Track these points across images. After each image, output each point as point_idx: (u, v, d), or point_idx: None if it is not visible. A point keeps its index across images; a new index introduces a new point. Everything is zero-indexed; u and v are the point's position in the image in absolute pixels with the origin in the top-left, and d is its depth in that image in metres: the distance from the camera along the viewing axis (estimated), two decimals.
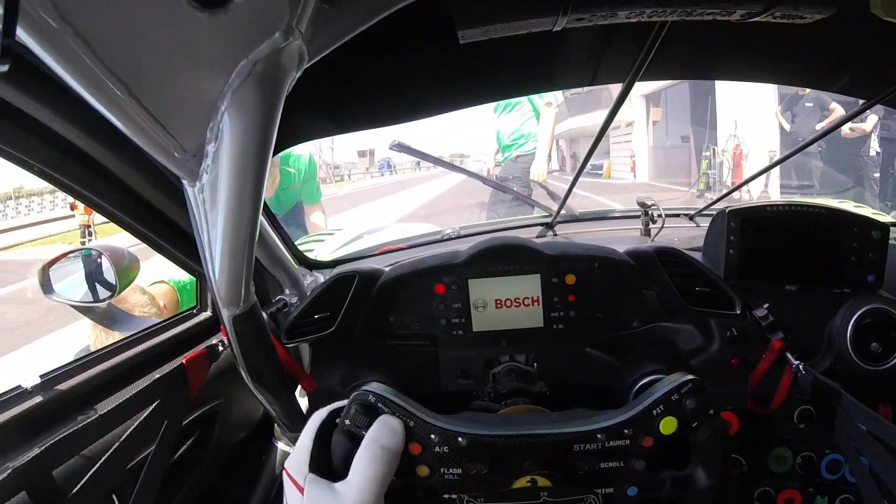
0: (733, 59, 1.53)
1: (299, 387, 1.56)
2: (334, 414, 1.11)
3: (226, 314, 1.10)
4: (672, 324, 1.73)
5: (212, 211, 0.87)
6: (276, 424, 1.86)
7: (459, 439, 1.15)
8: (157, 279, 2.55)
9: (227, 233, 0.89)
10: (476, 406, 1.61)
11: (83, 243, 12.41)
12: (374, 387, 1.18)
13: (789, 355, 1.54)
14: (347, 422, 1.15)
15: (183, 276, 2.58)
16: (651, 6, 0.79)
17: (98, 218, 13.21)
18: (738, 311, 1.62)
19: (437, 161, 2.63)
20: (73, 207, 13.27)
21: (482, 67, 1.40)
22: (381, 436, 1.03)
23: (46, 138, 1.09)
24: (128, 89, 0.64)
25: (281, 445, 1.87)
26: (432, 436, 1.16)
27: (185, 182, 0.85)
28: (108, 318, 1.92)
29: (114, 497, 1.15)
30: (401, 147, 2.31)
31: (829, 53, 1.43)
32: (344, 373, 1.70)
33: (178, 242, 1.48)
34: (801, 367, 1.51)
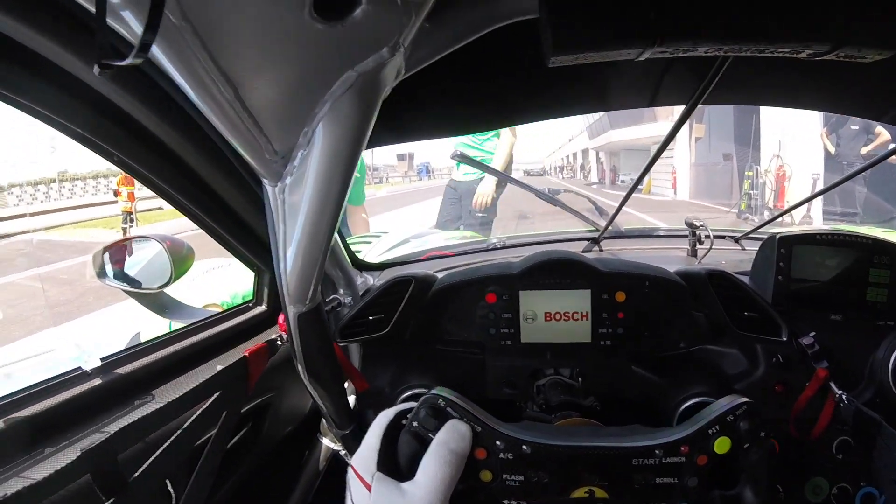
0: (788, 88, 1.53)
1: (348, 385, 1.58)
2: (401, 415, 1.14)
3: (291, 311, 1.13)
4: (718, 347, 1.73)
5: (290, 211, 0.90)
6: (323, 420, 1.88)
7: (524, 447, 1.18)
8: (206, 302, 2.59)
9: (305, 234, 0.92)
10: (528, 416, 1.62)
11: (124, 229, 12.65)
12: (443, 390, 1.21)
13: (833, 385, 1.54)
14: (416, 423, 1.18)
15: (227, 297, 2.62)
16: (728, 44, 0.81)
17: (140, 206, 13.46)
18: (785, 338, 1.61)
19: (493, 171, 2.65)
20: (116, 194, 13.52)
21: (552, 84, 1.42)
22: (450, 439, 1.05)
23: (133, 131, 1.12)
24: (234, 90, 0.66)
25: (325, 441, 1.89)
26: (498, 442, 1.18)
27: (265, 182, 0.88)
28: (159, 305, 1.95)
29: (167, 483, 1.18)
30: (462, 157, 2.33)
31: (883, 88, 1.41)
32: (392, 374, 1.73)
33: (242, 237, 1.51)
34: (844, 396, 1.51)
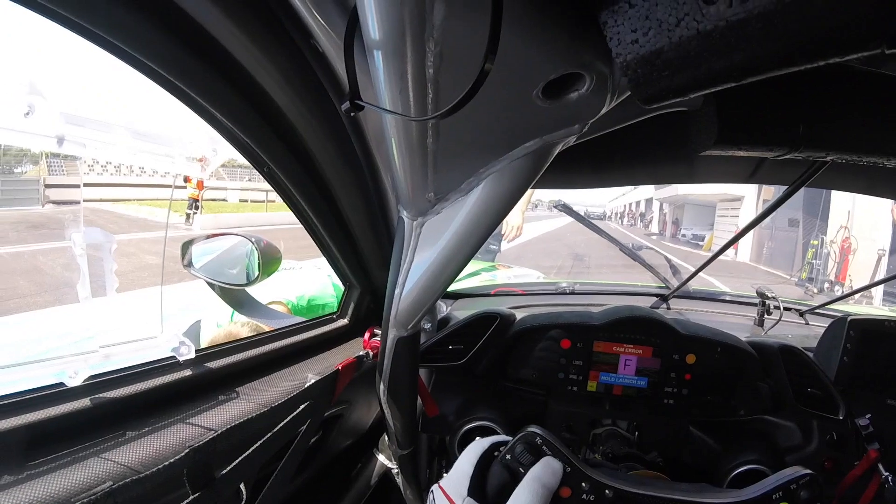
0: (886, 180, 1.53)
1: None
2: (494, 446, 1.18)
3: (392, 334, 1.17)
4: (776, 418, 1.73)
5: (423, 244, 0.93)
6: (382, 437, 1.92)
7: (607, 491, 1.22)
8: (273, 299, 2.64)
9: (433, 269, 0.95)
10: (597, 463, 1.64)
11: (188, 214, 12.89)
12: (538, 429, 1.25)
13: (881, 466, 1.55)
14: (509, 456, 1.22)
15: (292, 297, 2.67)
16: (856, 155, 0.85)
17: (206, 195, 13.71)
18: (842, 417, 1.62)
19: (592, 226, 2.67)
20: (186, 180, 13.82)
21: (669, 156, 1.48)
22: (543, 474, 1.09)
23: (288, 143, 1.18)
24: (432, 136, 0.69)
25: (381, 458, 1.92)
26: (583, 483, 1.22)
27: (405, 214, 0.92)
28: (238, 301, 2.00)
29: (241, 487, 1.21)
30: (564, 208, 2.37)
31: None
32: (460, 404, 1.76)
33: (346, 252, 1.55)
34: (889, 478, 1.53)
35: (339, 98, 1.11)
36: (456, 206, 0.84)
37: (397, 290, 1.06)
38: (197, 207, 13.21)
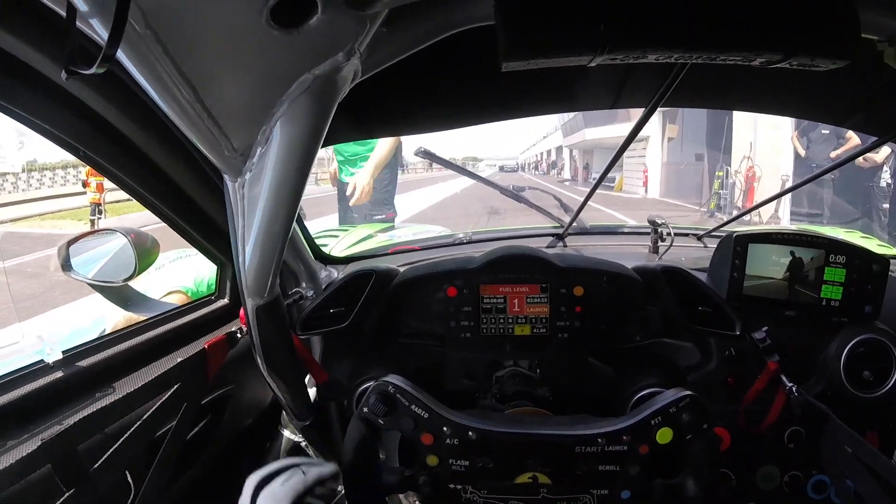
0: (751, 93, 1.56)
1: (308, 377, 1.60)
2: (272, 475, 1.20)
3: (250, 304, 1.15)
4: (673, 340, 1.79)
5: (250, 206, 0.92)
6: (283, 412, 1.90)
7: (470, 433, 1.23)
8: (170, 289, 2.57)
9: (263, 227, 0.94)
10: (483, 405, 1.66)
11: (93, 221, 12.44)
12: (393, 378, 1.25)
13: (784, 377, 1.59)
14: (366, 409, 1.22)
15: (190, 283, 2.61)
16: (678, 51, 0.83)
17: (108, 197, 13.24)
18: (738, 333, 1.68)
19: (460, 169, 2.67)
20: (85, 185, 13.28)
21: (512, 87, 1.45)
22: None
23: (97, 127, 1.14)
24: (195, 92, 0.69)
25: (286, 433, 1.91)
26: (444, 428, 1.24)
27: (226, 177, 0.90)
28: (123, 298, 1.94)
29: (127, 473, 1.19)
30: (426, 154, 2.35)
31: (844, 94, 1.47)
32: (352, 367, 1.76)
33: (204, 231, 1.53)
34: (794, 389, 1.56)
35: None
36: (263, 160, 0.83)
37: (240, 259, 1.05)
38: (101, 212, 12.75)
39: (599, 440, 1.24)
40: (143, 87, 0.70)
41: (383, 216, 4.92)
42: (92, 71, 0.58)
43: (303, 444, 1.88)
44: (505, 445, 1.27)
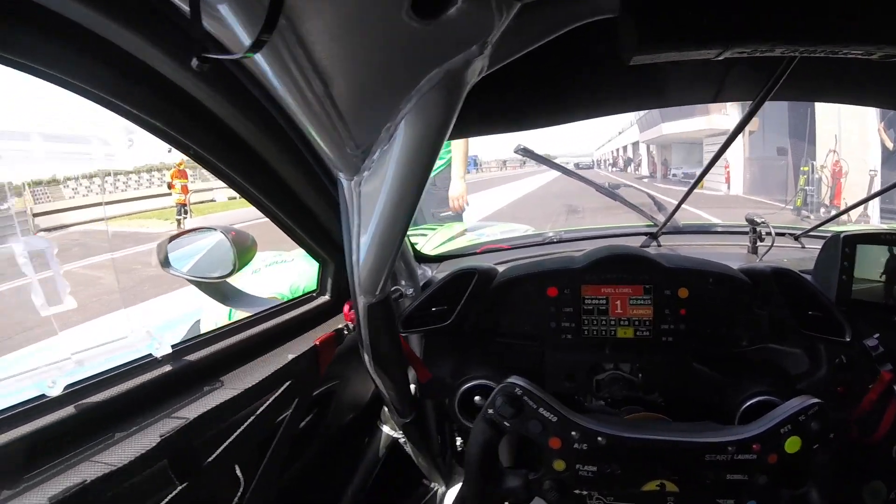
0: (858, 85, 1.48)
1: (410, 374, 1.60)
2: None
3: (361, 301, 1.14)
4: (781, 346, 1.70)
5: (365, 205, 0.91)
6: (384, 409, 1.92)
7: (599, 438, 1.20)
8: (269, 294, 2.61)
9: (380, 226, 0.93)
10: (593, 409, 1.62)
11: (178, 220, 12.94)
12: (518, 380, 1.23)
13: None
14: (491, 411, 1.20)
15: (286, 290, 2.64)
16: (804, 45, 0.81)
17: (193, 198, 13.73)
18: (849, 339, 1.57)
19: (558, 167, 2.62)
20: (170, 187, 13.84)
21: (618, 81, 1.41)
22: None
23: (208, 124, 1.14)
24: (325, 86, 0.67)
25: (386, 429, 1.92)
26: (573, 432, 1.21)
27: (340, 175, 0.89)
28: (221, 294, 1.98)
29: (237, 467, 1.20)
30: (526, 151, 2.32)
31: None
32: (453, 365, 1.74)
33: (309, 229, 1.53)
34: None
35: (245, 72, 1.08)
36: (384, 158, 0.82)
37: (353, 257, 1.04)
38: (186, 212, 13.28)
39: (729, 448, 1.21)
40: (268, 80, 0.69)
41: (451, 213, 4.89)
42: (237, 56, 0.57)
43: (401, 440, 1.88)
44: (634, 451, 1.24)
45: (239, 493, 1.21)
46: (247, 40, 0.60)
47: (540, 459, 1.29)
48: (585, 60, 1.25)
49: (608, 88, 1.47)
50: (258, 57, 0.64)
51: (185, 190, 13.25)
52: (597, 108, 1.55)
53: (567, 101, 1.49)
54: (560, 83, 1.39)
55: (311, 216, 1.50)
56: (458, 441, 2.05)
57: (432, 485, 2.08)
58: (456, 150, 4.67)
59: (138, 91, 0.98)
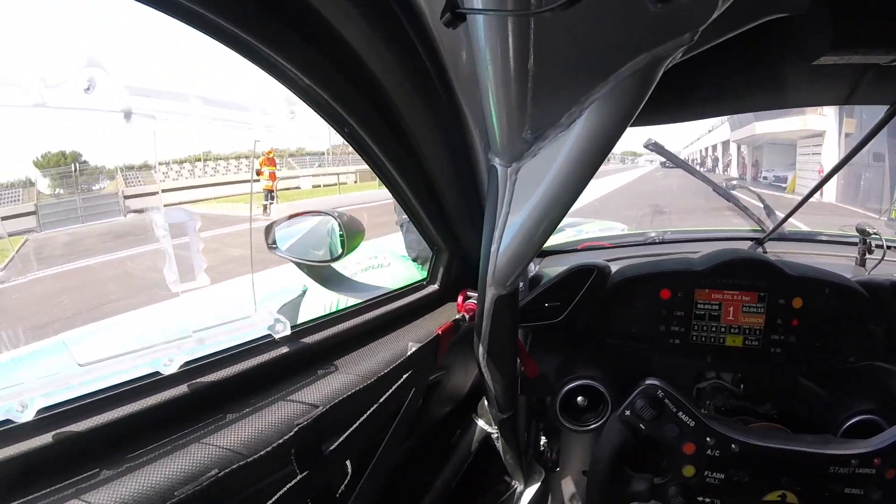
0: None
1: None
2: None
3: (490, 293, 1.13)
4: (889, 364, 1.64)
5: (519, 194, 0.88)
6: (481, 402, 1.90)
7: (733, 446, 1.19)
8: None
9: (532, 218, 0.89)
10: (712, 418, 1.59)
11: (265, 206, 13.28)
12: (657, 381, 1.21)
13: None
14: (629, 412, 1.19)
15: None
16: None
17: (280, 184, 14.09)
18: None
19: (685, 166, 2.57)
20: (258, 174, 14.23)
21: (769, 79, 1.39)
22: None
23: (370, 102, 1.14)
24: (533, 60, 0.63)
25: (481, 423, 1.91)
26: (708, 438, 1.19)
27: (497, 161, 0.86)
28: (325, 278, 2.00)
29: (347, 463, 1.19)
30: (656, 146, 2.28)
31: None
32: (560, 363, 1.72)
33: (433, 214, 1.52)
34: None
35: (423, 40, 1.06)
36: (554, 145, 0.78)
37: (493, 246, 1.01)
38: (273, 198, 13.65)
39: (853, 462, 1.19)
40: (473, 49, 0.66)
41: None
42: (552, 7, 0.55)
43: (494, 435, 1.86)
44: (765, 460, 1.22)
45: (346, 483, 1.20)
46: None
47: (665, 464, 1.28)
48: (740, 58, 1.22)
49: (746, 87, 1.44)
50: (486, 20, 0.62)
51: (272, 177, 13.61)
52: (730, 106, 1.51)
53: (712, 96, 1.46)
54: (713, 79, 1.37)
55: (439, 201, 1.50)
56: (542, 441, 2.05)
57: (513, 483, 2.06)
58: None
59: (309, 57, 0.97)
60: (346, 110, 1.10)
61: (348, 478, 1.21)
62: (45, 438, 0.84)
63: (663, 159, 2.37)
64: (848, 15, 0.79)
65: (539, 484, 2.03)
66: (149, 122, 0.92)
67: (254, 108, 1.10)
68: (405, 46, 1.08)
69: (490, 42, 0.63)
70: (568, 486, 2.16)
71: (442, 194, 1.47)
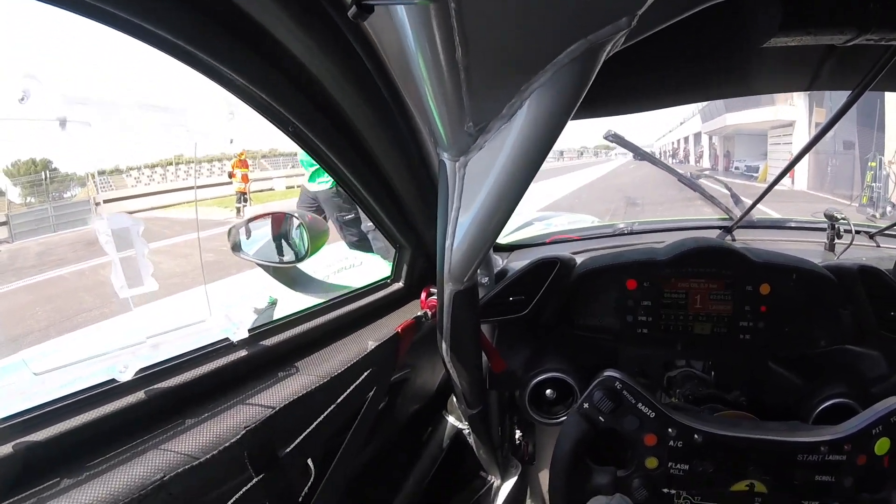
0: None
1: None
2: None
3: (448, 289, 1.12)
4: (859, 348, 1.65)
5: (469, 188, 0.87)
6: (451, 399, 1.90)
7: (696, 436, 1.19)
8: None
9: (483, 211, 0.89)
10: (673, 406, 1.59)
11: (238, 208, 13.23)
12: (615, 373, 1.20)
13: None
14: (587, 405, 1.18)
15: None
16: None
17: (253, 186, 14.03)
18: None
19: (647, 156, 2.57)
20: (230, 176, 14.17)
21: (725, 66, 1.39)
22: None
23: (312, 99, 1.12)
24: (462, 52, 0.63)
25: (451, 419, 1.91)
26: (670, 429, 1.18)
27: (445, 155, 0.85)
28: (291, 279, 1.98)
29: (309, 463, 1.18)
30: (616, 137, 2.28)
31: None
32: (527, 357, 1.72)
33: (392, 213, 1.51)
34: None
35: (359, 38, 1.04)
36: (499, 137, 0.77)
37: (447, 242, 1.00)
38: (246, 200, 13.59)
39: (822, 448, 1.18)
40: (399, 44, 0.65)
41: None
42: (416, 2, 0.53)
43: (465, 431, 1.86)
44: (729, 450, 1.22)
45: (309, 484, 1.19)
46: None
47: (628, 457, 1.27)
48: (693, 45, 1.21)
49: (706, 75, 1.43)
50: (407, 12, 0.61)
51: (245, 179, 13.56)
52: (691, 94, 1.51)
53: (671, 85, 1.46)
54: (668, 67, 1.36)
55: (396, 200, 1.49)
56: (518, 434, 2.05)
57: (489, 478, 2.06)
58: None
59: (246, 58, 0.96)
60: (288, 110, 1.08)
61: (311, 479, 1.19)
62: (6, 448, 0.82)
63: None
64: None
65: (516, 478, 2.03)
66: (83, 128, 0.90)
67: (189, 111, 1.08)
68: (342, 47, 1.07)
69: (416, 34, 0.62)
70: (545, 479, 2.16)
71: (398, 191, 1.46)
